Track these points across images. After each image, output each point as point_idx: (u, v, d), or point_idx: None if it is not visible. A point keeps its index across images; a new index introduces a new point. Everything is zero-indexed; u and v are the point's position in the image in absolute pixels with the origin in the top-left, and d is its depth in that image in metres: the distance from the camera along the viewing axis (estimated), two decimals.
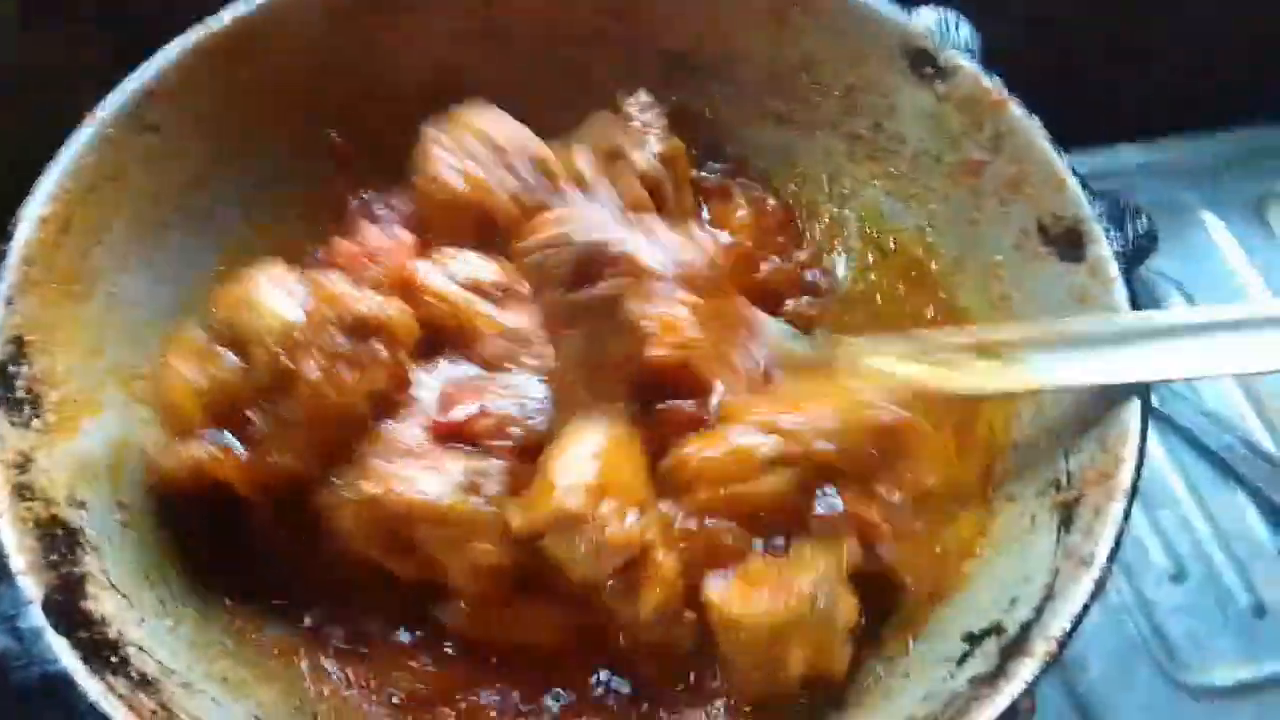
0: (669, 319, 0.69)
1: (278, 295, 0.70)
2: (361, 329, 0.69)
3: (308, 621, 0.74)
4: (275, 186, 0.88)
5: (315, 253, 0.85)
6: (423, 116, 0.86)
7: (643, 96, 0.92)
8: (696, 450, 0.67)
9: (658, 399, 0.70)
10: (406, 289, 0.77)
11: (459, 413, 0.71)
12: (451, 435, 0.71)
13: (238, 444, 0.69)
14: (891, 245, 0.95)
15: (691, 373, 0.70)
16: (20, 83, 1.11)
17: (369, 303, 0.70)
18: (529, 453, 0.70)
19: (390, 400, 0.72)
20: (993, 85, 0.86)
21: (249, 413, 0.69)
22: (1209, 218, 1.28)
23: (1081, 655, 0.96)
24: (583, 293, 0.68)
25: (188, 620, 0.70)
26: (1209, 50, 1.35)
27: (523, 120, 0.90)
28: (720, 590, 0.65)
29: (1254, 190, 1.30)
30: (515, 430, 0.71)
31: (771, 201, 0.97)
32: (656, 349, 0.68)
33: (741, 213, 0.94)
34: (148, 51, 0.80)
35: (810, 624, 0.65)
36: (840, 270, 0.97)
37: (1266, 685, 0.96)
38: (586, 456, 0.65)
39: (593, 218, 0.71)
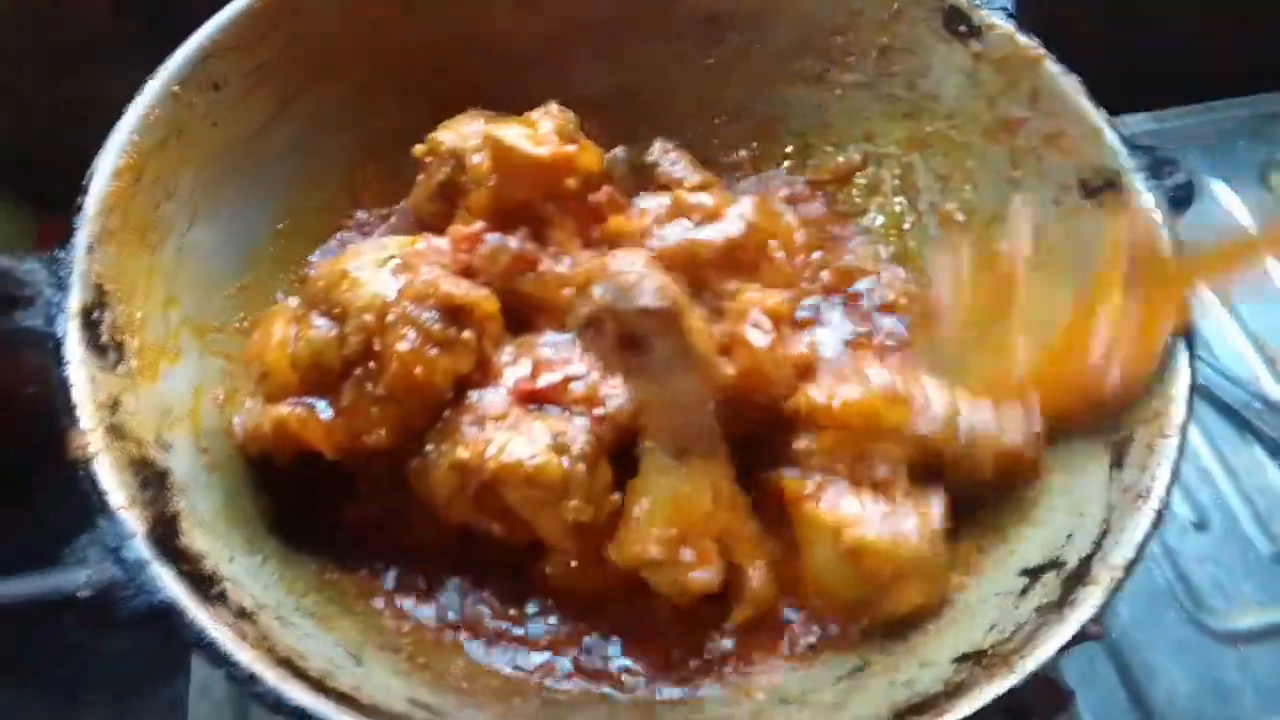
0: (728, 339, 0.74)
1: (377, 273, 0.72)
2: (452, 312, 0.71)
3: (389, 582, 0.77)
4: (335, 140, 0.90)
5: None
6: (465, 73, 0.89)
7: (659, 145, 0.94)
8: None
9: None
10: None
11: (545, 379, 0.73)
12: (536, 399, 0.73)
13: (326, 410, 0.71)
14: (928, 204, 0.97)
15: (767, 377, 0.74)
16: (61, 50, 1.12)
17: (461, 288, 0.72)
18: (613, 422, 0.72)
19: (470, 376, 0.74)
20: (1030, 42, 0.88)
21: (340, 384, 0.71)
22: (1217, 185, 1.31)
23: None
24: (639, 359, 0.70)
25: (274, 558, 0.71)
26: (1216, 18, 1.38)
27: (561, 81, 0.94)
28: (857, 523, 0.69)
29: (1260, 157, 1.33)
30: (601, 397, 0.73)
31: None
32: (727, 369, 0.72)
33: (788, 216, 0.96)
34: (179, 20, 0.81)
35: (929, 561, 0.70)
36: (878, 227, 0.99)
37: None
38: (666, 502, 0.69)
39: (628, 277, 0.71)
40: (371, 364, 0.70)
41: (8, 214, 1.16)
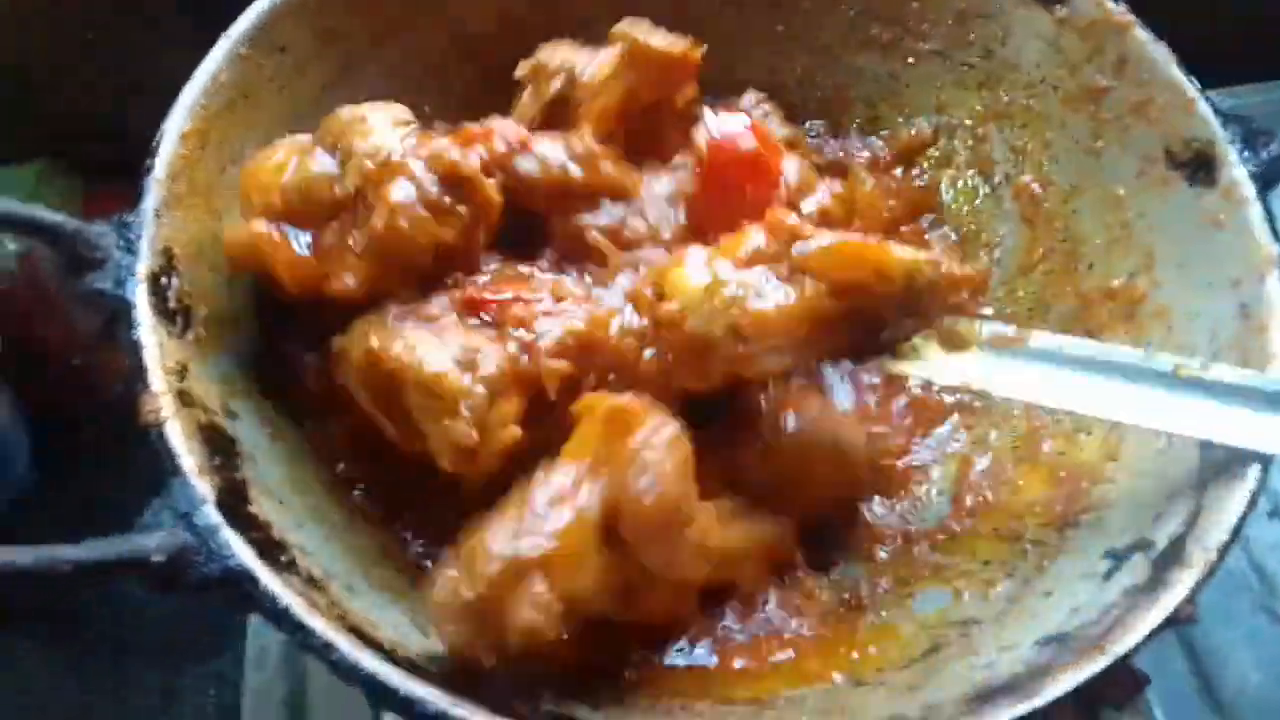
0: None
1: (393, 129, 0.72)
2: (453, 181, 0.70)
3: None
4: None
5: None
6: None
7: (751, 95, 0.92)
8: None
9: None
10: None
11: (491, 292, 0.70)
12: (475, 310, 0.70)
13: (302, 245, 0.71)
14: (1003, 176, 0.94)
15: None
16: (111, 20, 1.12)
17: (470, 163, 0.71)
18: (539, 354, 0.67)
19: (451, 260, 0.72)
20: (1116, 8, 0.85)
21: (324, 223, 0.70)
22: None
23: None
24: None
25: (340, 528, 0.71)
26: None
27: None
28: None
29: None
30: (543, 330, 0.68)
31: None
32: None
33: (870, 184, 0.94)
34: None
35: None
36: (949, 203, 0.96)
37: None
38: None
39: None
40: (361, 210, 0.69)
41: (56, 185, 1.17)
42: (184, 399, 0.64)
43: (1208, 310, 0.76)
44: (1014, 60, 0.92)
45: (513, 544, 0.58)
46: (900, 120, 0.99)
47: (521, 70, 0.84)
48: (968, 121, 0.96)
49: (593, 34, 0.90)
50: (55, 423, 1.11)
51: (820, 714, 0.65)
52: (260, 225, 0.70)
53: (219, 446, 0.65)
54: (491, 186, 0.72)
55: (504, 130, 0.76)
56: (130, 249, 0.68)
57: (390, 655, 0.59)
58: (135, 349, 0.65)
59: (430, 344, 0.66)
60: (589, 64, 0.80)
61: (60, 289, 1.07)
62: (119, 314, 0.66)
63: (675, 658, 0.70)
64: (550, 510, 0.59)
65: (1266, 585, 0.97)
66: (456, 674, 0.59)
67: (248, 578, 0.58)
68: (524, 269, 0.75)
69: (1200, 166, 0.80)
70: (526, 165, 0.76)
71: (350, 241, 0.70)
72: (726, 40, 0.97)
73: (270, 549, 0.61)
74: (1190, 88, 0.81)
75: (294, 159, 0.72)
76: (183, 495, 0.59)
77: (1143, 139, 0.84)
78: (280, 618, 0.57)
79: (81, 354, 1.12)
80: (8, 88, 1.14)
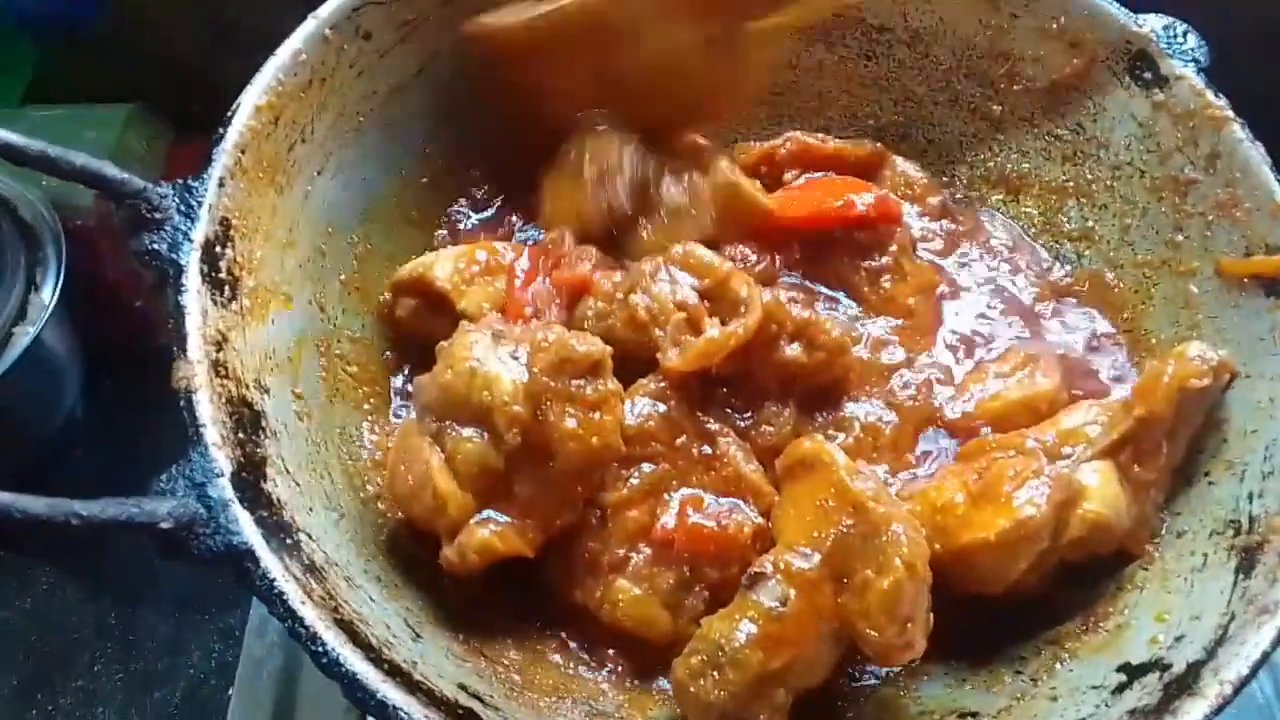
0: None
1: (499, 360, 0.69)
2: (592, 369, 0.68)
3: None
4: (472, 109, 0.89)
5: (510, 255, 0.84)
6: None
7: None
8: None
9: None
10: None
11: None
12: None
13: (505, 516, 0.68)
14: (1077, 255, 0.92)
15: None
16: None
17: (583, 343, 0.69)
18: None
19: None
20: (1217, 101, 0.82)
21: (511, 481, 0.68)
22: None
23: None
24: None
25: (350, 517, 0.71)
26: None
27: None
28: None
29: None
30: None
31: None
32: None
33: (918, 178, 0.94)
34: None
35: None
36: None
37: None
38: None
39: None
40: (538, 449, 0.68)
41: (145, 131, 1.19)
42: (218, 369, 0.65)
43: (1266, 428, 0.73)
44: (1105, 139, 0.89)
45: (764, 660, 0.64)
46: (980, 186, 0.96)
47: (589, 172, 0.84)
48: (1048, 194, 0.94)
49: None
50: (110, 361, 1.14)
51: None
52: (483, 534, 0.67)
53: (246, 420, 0.66)
54: (602, 346, 0.70)
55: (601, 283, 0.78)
56: (190, 214, 0.69)
57: (377, 655, 0.59)
58: (179, 313, 0.65)
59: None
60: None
61: None
62: (168, 275, 0.67)
63: None
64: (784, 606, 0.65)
65: None
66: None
67: (250, 556, 0.58)
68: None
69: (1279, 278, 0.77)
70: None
71: (545, 476, 0.68)
72: (812, 74, 0.97)
73: (277, 530, 0.61)
74: None
75: (437, 453, 0.69)
76: (201, 465, 0.60)
77: (1225, 238, 0.81)
78: (274, 602, 0.58)
79: (144, 298, 1.15)
80: (108, 29, 1.17)
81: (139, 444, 1.10)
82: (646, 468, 0.73)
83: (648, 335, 0.76)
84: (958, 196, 0.96)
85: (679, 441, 0.74)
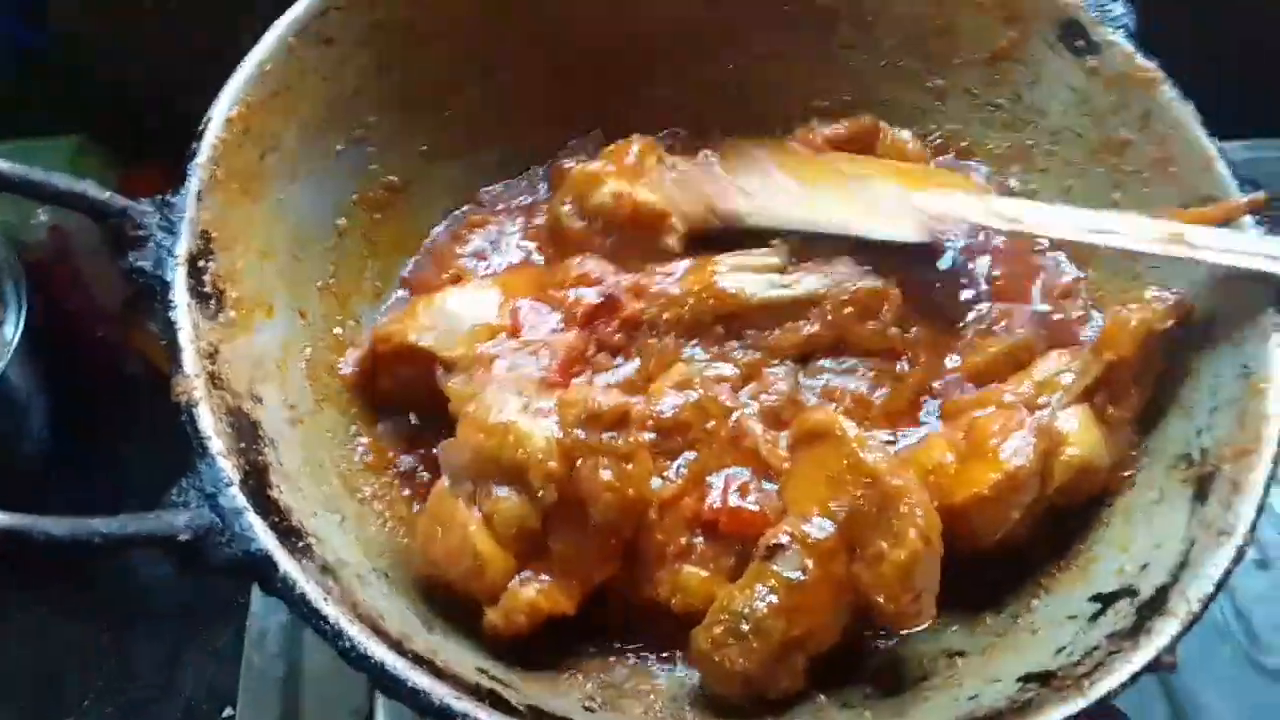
0: None
1: (530, 417, 0.70)
2: (620, 421, 0.70)
3: None
4: (425, 109, 0.90)
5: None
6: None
7: None
8: None
9: None
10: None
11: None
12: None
13: (546, 574, 0.69)
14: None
15: None
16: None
17: (610, 396, 0.71)
18: None
19: None
20: (1147, 64, 0.86)
21: (548, 538, 0.69)
22: None
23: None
24: None
25: (351, 518, 0.72)
26: None
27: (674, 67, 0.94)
28: None
29: None
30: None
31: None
32: None
33: (914, 146, 0.97)
34: None
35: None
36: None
37: None
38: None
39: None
40: (573, 505, 0.69)
41: (94, 161, 1.18)
42: (215, 381, 0.66)
43: (1209, 367, 0.78)
44: (1042, 106, 0.94)
45: (785, 628, 0.67)
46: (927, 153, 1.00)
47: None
48: (993, 160, 0.98)
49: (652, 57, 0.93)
50: (77, 391, 1.13)
51: None
52: (528, 593, 0.68)
53: (244, 429, 0.67)
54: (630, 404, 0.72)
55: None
56: (171, 230, 0.69)
57: (399, 646, 0.61)
58: (170, 329, 0.66)
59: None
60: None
61: (88, 262, 1.09)
62: (146, 293, 0.67)
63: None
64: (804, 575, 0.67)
65: (1250, 636, 0.99)
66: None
67: (268, 562, 0.60)
68: None
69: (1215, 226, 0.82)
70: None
71: (581, 531, 0.69)
72: (762, 63, 1.00)
73: (289, 534, 0.63)
74: (1211, 147, 0.83)
75: (474, 513, 0.69)
76: (209, 476, 0.61)
77: (1161, 195, 0.86)
78: (298, 603, 0.59)
79: (105, 327, 1.14)
80: (50, 62, 1.15)
81: (112, 471, 1.10)
82: (689, 456, 0.76)
83: None
84: None
85: (709, 425, 0.77)
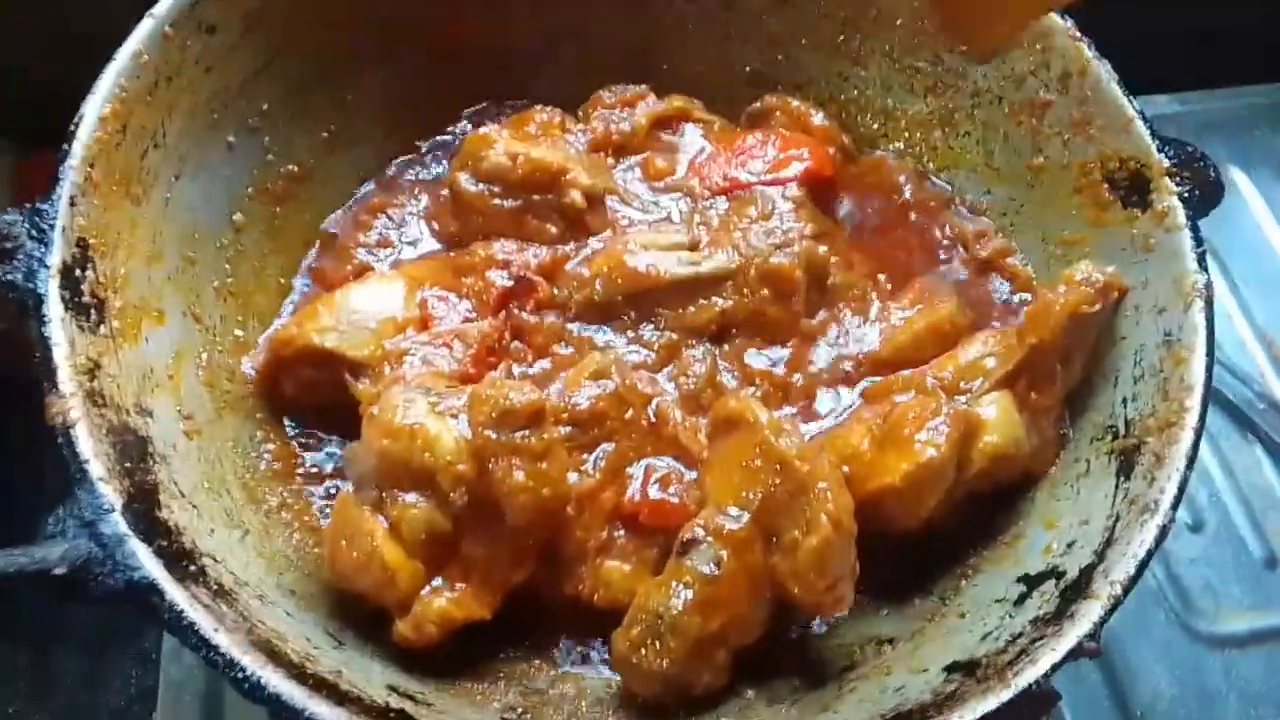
0: None
1: (438, 418, 0.67)
2: (533, 418, 0.67)
3: None
4: (325, 94, 0.86)
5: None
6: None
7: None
8: None
9: None
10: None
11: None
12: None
13: (459, 580, 0.67)
14: (949, 184, 0.94)
15: None
16: None
17: (524, 392, 0.67)
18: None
19: None
20: (1065, 24, 0.84)
21: (459, 542, 0.67)
22: (1237, 174, 1.28)
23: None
24: None
25: (254, 533, 0.69)
26: (1245, 2, 1.33)
27: (578, 39, 0.90)
28: None
29: None
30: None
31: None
32: None
33: (819, 118, 0.94)
34: None
35: None
36: None
37: (1275, 634, 0.98)
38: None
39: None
40: (486, 507, 0.66)
41: None
42: (94, 399, 0.63)
43: (1133, 334, 0.77)
44: (962, 69, 0.91)
45: (702, 624, 0.65)
46: (846, 117, 0.98)
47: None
48: (915, 125, 0.96)
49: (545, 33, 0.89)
50: None
51: None
52: (439, 603, 0.66)
53: (130, 448, 0.63)
54: (540, 393, 0.69)
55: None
56: (43, 239, 0.65)
57: (300, 671, 0.58)
58: (45, 345, 0.62)
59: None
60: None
61: None
62: (28, 306, 0.63)
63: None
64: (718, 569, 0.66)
65: (1182, 600, 1.00)
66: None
67: (154, 590, 0.57)
68: None
69: (1136, 189, 0.81)
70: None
71: (496, 533, 0.67)
72: (678, 31, 0.97)
73: (179, 558, 0.60)
74: (1130, 107, 0.82)
75: (380, 521, 0.67)
76: (89, 502, 0.58)
77: (1081, 156, 0.84)
78: (185, 633, 0.56)
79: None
80: None
81: (17, 480, 1.05)
82: (607, 447, 0.74)
83: None
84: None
85: (628, 415, 0.75)
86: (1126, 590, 0.64)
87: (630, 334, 0.81)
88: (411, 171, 0.91)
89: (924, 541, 0.76)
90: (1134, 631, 0.97)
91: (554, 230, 0.83)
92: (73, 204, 0.67)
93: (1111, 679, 0.94)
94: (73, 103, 0.71)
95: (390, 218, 0.88)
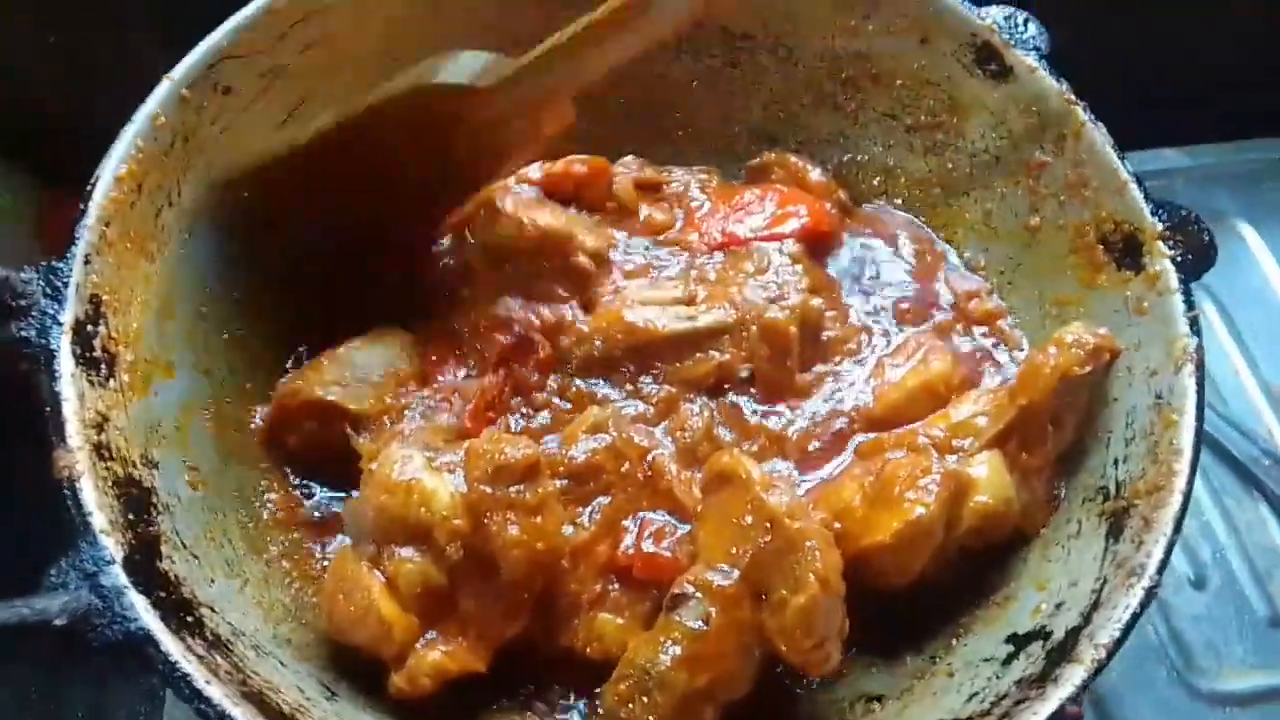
0: None
1: (434, 473, 0.69)
2: (528, 473, 0.68)
3: None
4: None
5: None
6: None
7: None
8: None
9: None
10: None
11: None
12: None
13: (454, 634, 0.68)
14: (947, 241, 0.96)
15: None
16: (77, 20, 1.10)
17: (519, 447, 0.69)
18: None
19: None
20: (1061, 88, 0.86)
21: (455, 596, 0.68)
22: (1245, 228, 1.28)
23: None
24: None
25: (254, 583, 0.71)
26: (1254, 57, 1.34)
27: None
28: None
29: None
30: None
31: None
32: None
33: (817, 174, 0.96)
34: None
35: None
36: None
37: (1278, 694, 0.97)
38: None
39: None
40: (481, 562, 0.68)
41: (13, 179, 1.14)
42: (101, 453, 0.65)
43: (1125, 396, 0.78)
44: (960, 129, 0.93)
45: (689, 680, 0.66)
46: (845, 175, 0.99)
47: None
48: (914, 184, 0.97)
49: None
50: None
51: None
52: (433, 656, 0.67)
53: (134, 500, 0.65)
54: (539, 451, 0.71)
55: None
56: (57, 297, 0.68)
57: None
58: (55, 400, 0.65)
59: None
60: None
61: None
62: (39, 362, 0.66)
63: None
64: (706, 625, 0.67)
65: (1184, 656, 0.99)
66: None
67: (149, 641, 0.58)
68: None
69: (1129, 251, 0.82)
70: None
71: (490, 587, 0.68)
72: (683, 88, 0.99)
73: (176, 609, 0.61)
74: (1124, 170, 0.83)
75: (377, 576, 0.68)
76: (91, 555, 0.60)
77: (1076, 218, 0.85)
78: (178, 684, 0.58)
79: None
80: None
81: (22, 531, 1.07)
82: (603, 500, 0.75)
83: None
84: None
85: (624, 469, 0.76)
86: (1111, 654, 0.64)
87: (629, 388, 0.83)
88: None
89: (916, 600, 0.76)
90: (1134, 688, 0.96)
91: (562, 293, 0.85)
92: (87, 262, 0.70)
93: None
94: (96, 140, 0.73)
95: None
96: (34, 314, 0.67)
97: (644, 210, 0.93)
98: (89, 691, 1.04)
